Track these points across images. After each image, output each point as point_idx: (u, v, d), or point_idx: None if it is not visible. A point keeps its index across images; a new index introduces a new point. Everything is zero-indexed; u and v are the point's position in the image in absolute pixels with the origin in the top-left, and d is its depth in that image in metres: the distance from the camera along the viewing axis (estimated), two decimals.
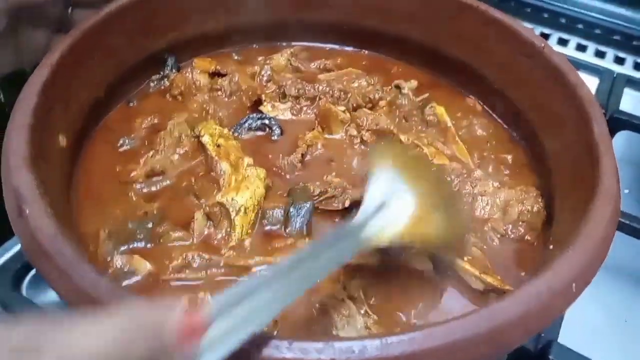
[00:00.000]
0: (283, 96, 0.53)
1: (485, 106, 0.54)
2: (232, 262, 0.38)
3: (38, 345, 0.19)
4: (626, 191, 0.60)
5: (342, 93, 0.52)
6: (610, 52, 0.81)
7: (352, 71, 0.56)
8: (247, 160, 0.45)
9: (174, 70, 0.54)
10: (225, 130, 0.48)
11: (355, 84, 0.54)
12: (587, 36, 0.82)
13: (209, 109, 0.51)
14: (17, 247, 0.47)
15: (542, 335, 0.42)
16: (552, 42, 0.82)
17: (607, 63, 0.78)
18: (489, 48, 0.51)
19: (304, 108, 0.52)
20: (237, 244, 0.40)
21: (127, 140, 0.48)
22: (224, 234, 0.40)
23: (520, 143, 0.50)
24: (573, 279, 0.31)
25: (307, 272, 0.29)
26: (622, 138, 0.64)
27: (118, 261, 0.38)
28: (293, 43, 0.60)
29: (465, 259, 0.38)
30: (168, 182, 0.45)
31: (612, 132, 0.61)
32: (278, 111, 0.52)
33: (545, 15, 0.85)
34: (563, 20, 0.84)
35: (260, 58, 0.57)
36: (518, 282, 0.39)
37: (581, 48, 0.81)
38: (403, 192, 0.36)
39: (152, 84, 0.54)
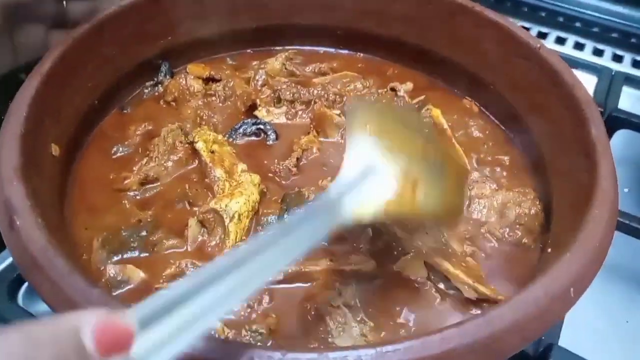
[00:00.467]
0: (278, 101, 0.52)
1: (481, 108, 0.53)
2: None
3: None
4: (625, 190, 0.60)
5: (337, 97, 0.52)
6: (609, 50, 0.80)
7: (348, 74, 0.56)
8: (241, 166, 0.45)
9: (167, 76, 0.54)
10: (220, 136, 0.48)
11: (351, 87, 0.54)
12: (584, 34, 0.82)
13: (203, 114, 0.51)
14: None
15: (542, 338, 0.41)
16: (550, 40, 0.81)
17: (605, 61, 0.78)
18: (484, 49, 0.51)
19: (299, 112, 0.52)
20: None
21: (120, 148, 0.48)
22: (217, 241, 0.40)
23: (517, 145, 0.50)
24: (571, 284, 0.30)
25: (270, 258, 0.24)
26: (620, 137, 0.63)
27: (111, 270, 0.38)
28: (288, 47, 0.59)
29: (459, 268, 0.38)
30: (162, 189, 0.45)
31: (611, 131, 0.61)
32: (273, 116, 0.52)
33: (543, 14, 0.84)
34: (560, 19, 0.83)
35: (254, 63, 0.57)
36: (515, 286, 0.39)
37: (579, 46, 0.81)
38: (385, 160, 0.31)
39: (145, 91, 0.54)
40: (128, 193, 0.44)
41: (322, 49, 0.60)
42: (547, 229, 0.41)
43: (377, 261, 0.39)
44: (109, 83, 0.49)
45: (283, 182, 0.46)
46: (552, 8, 0.84)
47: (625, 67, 0.77)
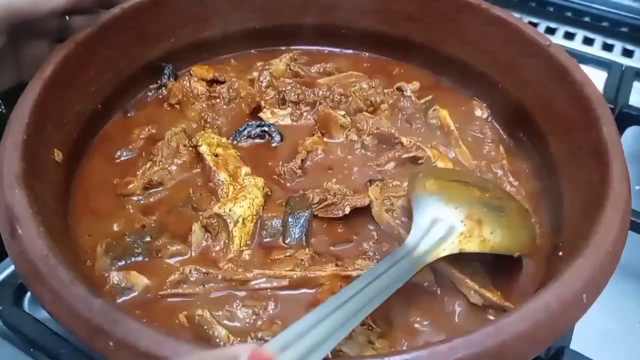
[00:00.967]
0: (283, 102, 0.52)
1: (489, 108, 0.52)
2: (230, 276, 0.37)
3: None
4: (637, 187, 0.58)
5: (342, 97, 0.51)
6: (618, 45, 0.79)
7: (353, 74, 0.55)
8: (245, 169, 0.44)
9: (171, 79, 0.53)
10: (224, 139, 0.48)
11: (357, 87, 0.53)
12: (594, 29, 0.80)
13: (208, 117, 0.50)
14: None
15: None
16: (559, 36, 0.80)
17: (615, 56, 0.76)
18: (491, 47, 0.50)
19: (304, 113, 0.52)
20: (235, 256, 0.39)
21: (124, 152, 0.47)
22: (222, 246, 0.40)
23: (526, 145, 0.49)
24: (584, 289, 0.29)
25: (365, 300, 0.30)
26: (631, 133, 0.62)
27: (115, 277, 0.37)
28: (292, 47, 0.59)
29: (466, 273, 0.37)
30: (166, 193, 0.44)
31: (622, 128, 0.60)
32: (277, 117, 0.51)
33: (551, 9, 0.83)
34: (569, 14, 0.82)
35: (259, 64, 0.56)
36: (522, 292, 0.38)
37: (588, 41, 0.79)
38: (448, 208, 0.37)
39: (149, 94, 0.54)
40: (132, 198, 0.44)
41: (327, 49, 0.59)
42: (558, 231, 0.40)
43: None
44: (111, 87, 0.49)
45: (288, 184, 0.45)
46: (560, 3, 0.82)
47: (636, 62, 0.75)
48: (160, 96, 0.53)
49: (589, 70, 0.43)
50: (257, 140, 0.49)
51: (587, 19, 0.81)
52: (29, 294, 0.46)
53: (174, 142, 0.47)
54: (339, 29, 0.57)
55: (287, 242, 0.40)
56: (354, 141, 0.48)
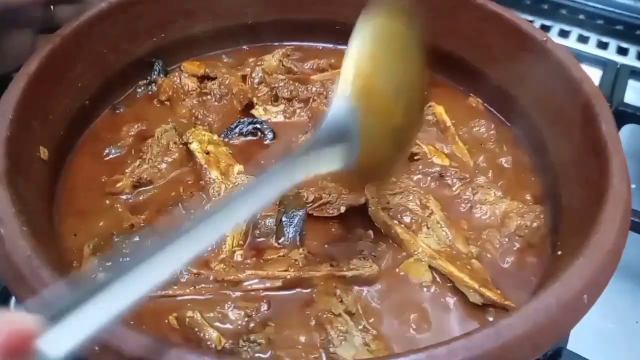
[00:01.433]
0: (275, 98, 0.51)
1: (486, 104, 0.52)
2: (221, 277, 0.36)
3: None
4: (633, 186, 0.58)
5: None
6: (613, 43, 0.78)
7: None
8: (238, 167, 0.43)
9: (161, 75, 0.52)
10: (215, 137, 0.47)
11: None
12: (588, 27, 0.80)
13: (198, 114, 0.49)
14: None
15: None
16: (553, 33, 0.80)
17: (610, 54, 0.76)
18: (488, 44, 0.49)
19: (297, 110, 0.51)
20: (227, 256, 0.38)
21: (112, 149, 0.46)
22: (213, 246, 0.39)
23: (523, 142, 0.48)
24: (584, 290, 0.29)
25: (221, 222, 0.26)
26: (627, 132, 0.62)
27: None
28: (285, 43, 0.58)
29: (464, 271, 0.36)
30: (155, 192, 0.43)
31: (617, 126, 0.59)
32: (270, 114, 0.50)
33: (545, 7, 0.82)
34: (564, 11, 0.82)
35: (251, 59, 0.55)
36: (522, 290, 0.37)
37: (583, 39, 0.79)
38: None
39: (138, 90, 0.52)
40: (120, 196, 0.42)
41: (320, 45, 0.58)
42: (557, 230, 0.39)
43: (379, 265, 0.38)
44: (100, 83, 0.48)
45: None
46: (555, 0, 0.82)
47: (631, 60, 0.75)
48: (150, 92, 0.52)
49: (583, 69, 0.42)
50: (250, 138, 0.48)
51: (581, 16, 0.81)
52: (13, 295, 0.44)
53: (164, 140, 0.45)
54: (333, 24, 0.56)
55: (280, 241, 0.39)
56: None
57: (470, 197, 0.42)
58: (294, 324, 0.34)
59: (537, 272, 0.38)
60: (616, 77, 0.68)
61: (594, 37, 0.79)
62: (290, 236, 0.39)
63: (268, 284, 0.36)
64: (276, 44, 0.58)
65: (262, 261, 0.38)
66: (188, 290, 0.36)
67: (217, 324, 0.34)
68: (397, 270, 0.38)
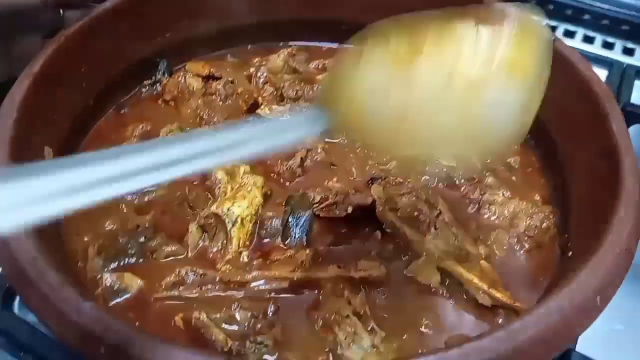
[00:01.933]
0: (281, 98, 0.51)
1: None
2: (228, 277, 0.36)
3: None
4: None
5: None
6: (619, 43, 0.78)
7: None
8: (244, 167, 0.43)
9: (166, 75, 0.52)
10: None
11: None
12: (594, 27, 0.79)
13: (203, 114, 0.49)
14: None
15: None
16: (558, 34, 0.79)
17: (616, 54, 0.76)
18: None
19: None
20: (233, 257, 0.38)
21: None
22: (219, 247, 0.38)
23: (531, 143, 0.47)
24: (597, 292, 0.28)
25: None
26: (633, 132, 0.61)
27: (108, 279, 0.36)
28: (290, 43, 0.57)
29: (473, 272, 0.36)
30: (161, 192, 0.43)
31: None
32: (276, 114, 0.50)
33: (551, 7, 0.82)
34: (569, 12, 0.81)
35: (256, 59, 0.55)
36: (532, 291, 0.37)
37: (588, 40, 0.79)
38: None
39: (143, 90, 0.52)
40: (125, 197, 0.42)
41: (325, 45, 0.58)
42: (567, 232, 0.39)
43: (387, 266, 0.37)
44: (104, 82, 0.48)
45: (287, 183, 0.44)
46: (560, 1, 0.81)
47: (637, 61, 0.75)
48: (155, 92, 0.52)
49: None
50: None
51: (587, 17, 0.80)
52: (18, 297, 0.44)
53: None
54: (339, 24, 0.56)
55: (287, 242, 0.39)
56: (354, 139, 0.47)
57: (479, 197, 0.42)
58: (301, 325, 0.34)
59: (546, 273, 0.38)
60: (622, 77, 0.67)
61: (599, 38, 0.79)
62: (296, 237, 0.39)
63: (274, 285, 0.36)
64: (281, 44, 0.57)
65: (268, 262, 0.38)
66: (194, 292, 0.36)
67: (223, 325, 0.34)
68: (405, 271, 0.37)
